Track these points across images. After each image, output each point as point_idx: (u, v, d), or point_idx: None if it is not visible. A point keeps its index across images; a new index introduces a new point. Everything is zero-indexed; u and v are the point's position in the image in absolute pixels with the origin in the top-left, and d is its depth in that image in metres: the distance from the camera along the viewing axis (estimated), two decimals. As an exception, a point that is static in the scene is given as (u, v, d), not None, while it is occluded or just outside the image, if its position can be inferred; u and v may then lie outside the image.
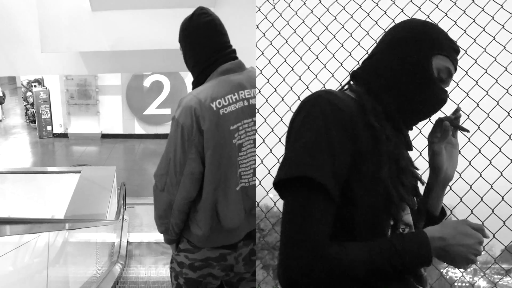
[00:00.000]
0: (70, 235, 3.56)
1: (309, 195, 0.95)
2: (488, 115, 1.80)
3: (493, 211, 1.75)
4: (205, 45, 1.72)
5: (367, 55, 1.21)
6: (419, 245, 0.96)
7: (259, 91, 2.00)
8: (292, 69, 2.09)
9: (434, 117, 1.22)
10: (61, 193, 6.56)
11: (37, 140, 13.04)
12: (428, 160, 1.23)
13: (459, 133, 1.24)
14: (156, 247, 6.91)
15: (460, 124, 1.21)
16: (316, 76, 2.04)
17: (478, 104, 1.83)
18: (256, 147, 1.80)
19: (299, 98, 1.99)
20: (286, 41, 2.14)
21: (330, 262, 0.93)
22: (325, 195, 0.95)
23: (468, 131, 1.22)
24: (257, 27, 2.15)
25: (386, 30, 1.21)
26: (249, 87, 1.73)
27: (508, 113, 1.81)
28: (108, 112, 12.87)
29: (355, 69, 1.20)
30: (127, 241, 6.81)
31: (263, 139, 1.98)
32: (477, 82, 1.86)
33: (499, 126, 1.80)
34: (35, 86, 13.44)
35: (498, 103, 1.82)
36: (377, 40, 1.21)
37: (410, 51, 1.11)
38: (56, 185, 7.07)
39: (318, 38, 2.11)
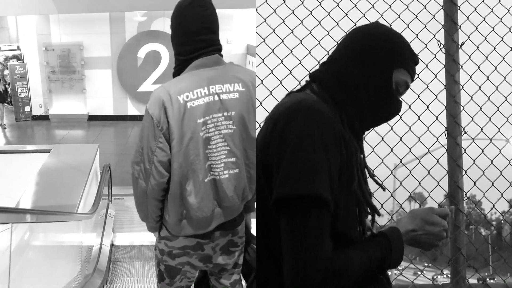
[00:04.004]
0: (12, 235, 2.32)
1: (318, 212, 1.08)
2: (419, 96, 2.36)
3: (429, 171, 2.44)
4: (193, 41, 1.84)
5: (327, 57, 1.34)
6: (400, 253, 1.18)
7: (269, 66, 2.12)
8: (295, 33, 2.20)
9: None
10: (20, 178, 4.98)
11: (13, 123, 11.93)
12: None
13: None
14: (152, 252, 5.15)
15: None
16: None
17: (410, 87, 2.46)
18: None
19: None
20: (292, 11, 2.18)
21: (341, 275, 1.09)
22: (328, 210, 1.10)
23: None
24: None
25: (347, 32, 1.32)
26: (221, 82, 1.83)
27: (436, 96, 2.45)
28: (96, 90, 11.74)
29: (314, 71, 1.30)
30: (112, 244, 5.02)
31: (259, 124, 1.98)
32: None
33: (427, 107, 2.38)
34: (13, 62, 11.88)
35: (427, 86, 2.38)
36: (338, 43, 1.32)
37: (373, 65, 1.23)
38: (15, 168, 5.37)
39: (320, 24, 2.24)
